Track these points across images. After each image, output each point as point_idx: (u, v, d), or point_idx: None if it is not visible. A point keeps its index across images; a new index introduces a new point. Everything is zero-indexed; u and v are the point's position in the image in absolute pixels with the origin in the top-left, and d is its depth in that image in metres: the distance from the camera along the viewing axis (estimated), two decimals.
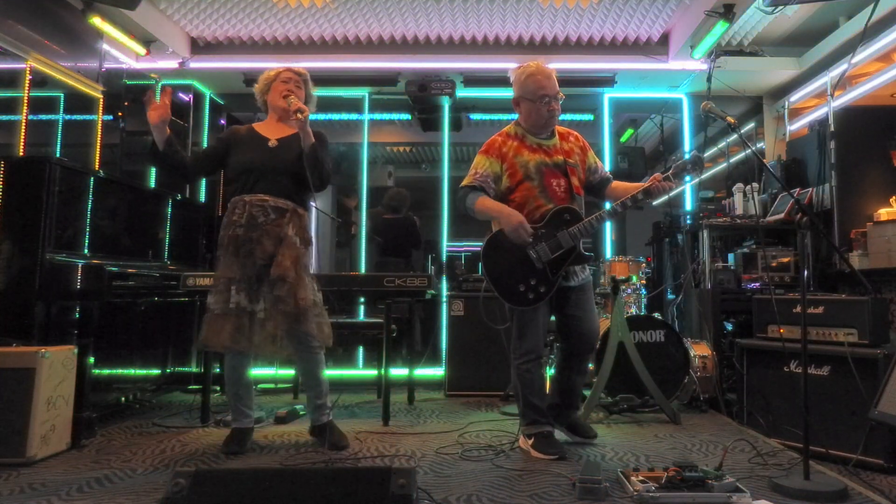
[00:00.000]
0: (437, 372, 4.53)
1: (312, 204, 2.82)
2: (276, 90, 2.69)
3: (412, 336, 4.24)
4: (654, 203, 6.14)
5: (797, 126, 4.84)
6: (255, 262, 2.49)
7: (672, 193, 2.70)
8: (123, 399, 3.38)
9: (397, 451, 2.62)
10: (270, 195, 2.54)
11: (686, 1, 4.10)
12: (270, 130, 2.70)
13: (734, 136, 2.74)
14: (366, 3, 4.21)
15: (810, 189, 4.16)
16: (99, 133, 3.87)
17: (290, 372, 4.12)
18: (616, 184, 2.78)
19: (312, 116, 2.62)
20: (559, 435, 2.67)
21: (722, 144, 5.75)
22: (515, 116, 2.76)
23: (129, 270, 3.09)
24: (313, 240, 2.70)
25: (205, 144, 4.65)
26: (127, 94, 4.25)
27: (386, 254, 5.03)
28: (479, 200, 2.57)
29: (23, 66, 3.30)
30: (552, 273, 2.52)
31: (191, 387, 4.00)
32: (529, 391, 2.57)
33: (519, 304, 2.53)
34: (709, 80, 4.26)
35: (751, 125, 5.33)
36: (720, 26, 3.86)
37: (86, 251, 3.05)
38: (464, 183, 2.65)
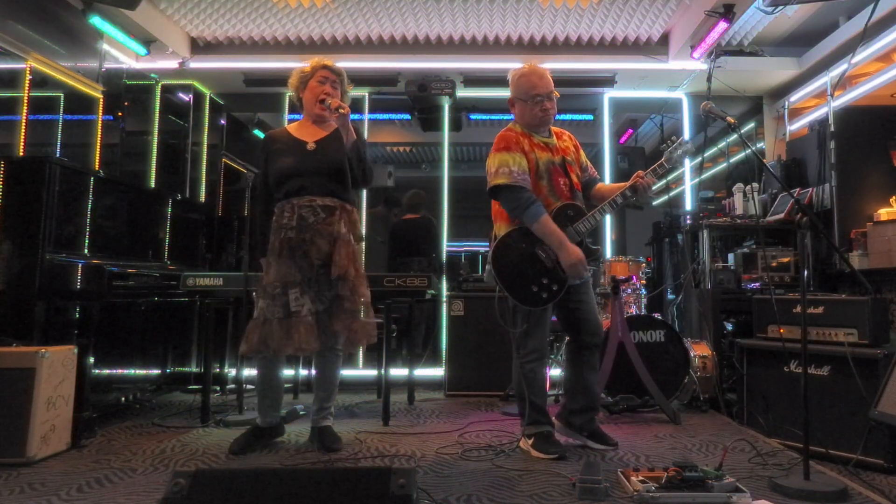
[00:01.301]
0: (437, 372, 4.53)
1: None
2: (311, 90, 2.64)
3: (412, 336, 4.24)
4: (655, 203, 6.16)
5: (797, 126, 4.84)
6: (311, 264, 2.49)
7: (673, 194, 2.72)
8: (123, 399, 3.38)
9: (397, 451, 2.62)
10: (318, 195, 2.55)
11: (686, 1, 4.11)
12: (306, 133, 2.68)
13: (734, 136, 2.75)
14: (366, 3, 4.21)
15: (810, 189, 4.16)
16: (99, 133, 3.87)
17: (289, 372, 4.12)
18: (601, 185, 2.79)
19: None
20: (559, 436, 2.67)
21: (722, 144, 5.75)
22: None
23: (129, 270, 3.09)
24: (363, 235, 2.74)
25: (205, 144, 4.65)
26: (127, 94, 4.25)
27: (407, 254, 5.03)
28: (543, 218, 2.49)
29: (23, 66, 3.30)
30: (563, 271, 2.52)
31: (191, 387, 4.00)
32: (532, 390, 2.57)
33: (534, 305, 2.53)
34: (709, 80, 4.26)
35: (751, 125, 5.33)
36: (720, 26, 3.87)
37: (86, 251, 3.05)
38: (501, 181, 2.52)
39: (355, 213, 2.67)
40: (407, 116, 5.69)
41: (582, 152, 2.81)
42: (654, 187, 2.59)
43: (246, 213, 4.26)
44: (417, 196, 5.20)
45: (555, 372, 3.80)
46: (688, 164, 5.05)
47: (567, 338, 3.71)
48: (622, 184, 2.63)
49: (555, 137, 2.72)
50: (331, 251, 2.51)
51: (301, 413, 3.34)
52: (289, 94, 2.78)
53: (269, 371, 2.61)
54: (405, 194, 5.29)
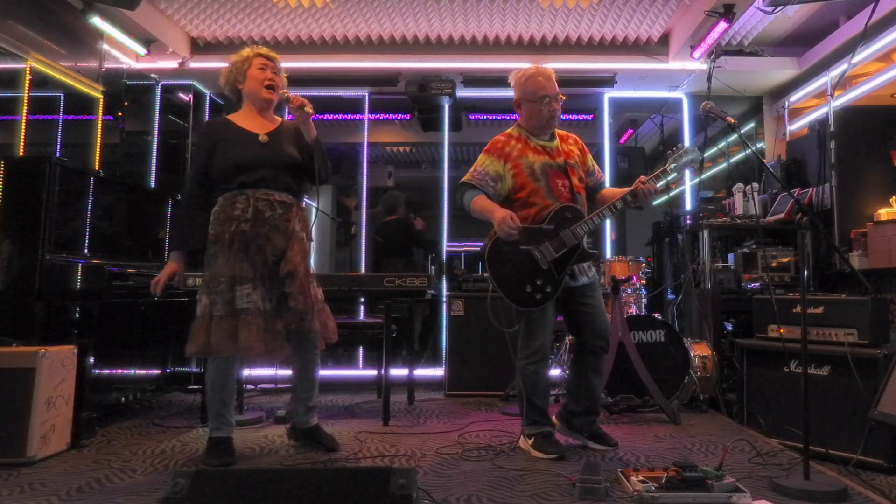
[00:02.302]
0: (437, 372, 4.53)
1: (308, 201, 2.80)
2: (254, 78, 2.53)
3: (412, 336, 4.25)
4: (655, 203, 6.15)
5: (797, 126, 4.84)
6: (266, 259, 2.39)
7: (673, 194, 2.72)
8: (123, 399, 3.38)
9: (397, 451, 2.62)
10: (274, 189, 2.45)
11: (686, 1, 4.11)
12: (253, 124, 2.55)
13: (734, 136, 2.75)
14: (366, 3, 4.21)
15: (810, 189, 4.16)
16: (99, 133, 3.87)
17: (289, 372, 4.11)
18: (605, 190, 2.79)
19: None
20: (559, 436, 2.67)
21: (722, 144, 5.75)
22: (515, 116, 2.77)
23: (129, 270, 3.09)
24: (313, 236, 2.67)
25: None
26: (127, 94, 4.25)
27: (387, 255, 5.07)
28: (475, 199, 2.59)
29: (23, 66, 3.31)
30: (558, 272, 2.52)
31: (191, 387, 3.99)
32: (533, 392, 2.56)
33: (526, 306, 2.52)
34: (709, 80, 4.26)
35: (751, 125, 5.33)
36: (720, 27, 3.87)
37: (85, 251, 3.05)
38: (463, 179, 2.68)
39: (306, 211, 2.61)
40: (407, 116, 5.69)
41: (589, 156, 2.81)
42: (655, 192, 2.58)
43: None
44: (392, 198, 5.23)
45: (555, 371, 3.80)
46: (688, 176, 5.01)
47: (567, 338, 3.74)
48: (625, 189, 2.62)
49: (558, 140, 2.73)
50: (285, 248, 2.42)
51: None
52: (224, 90, 2.65)
53: (229, 373, 2.45)
54: (382, 197, 5.35)
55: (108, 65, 4.08)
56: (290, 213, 2.48)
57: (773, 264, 3.91)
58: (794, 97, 4.77)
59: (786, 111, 4.89)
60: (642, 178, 2.55)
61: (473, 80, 4.83)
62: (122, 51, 4.30)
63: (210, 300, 2.34)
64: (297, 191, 2.56)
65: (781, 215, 4.02)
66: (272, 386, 4.22)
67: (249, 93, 2.56)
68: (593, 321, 2.63)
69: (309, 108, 2.46)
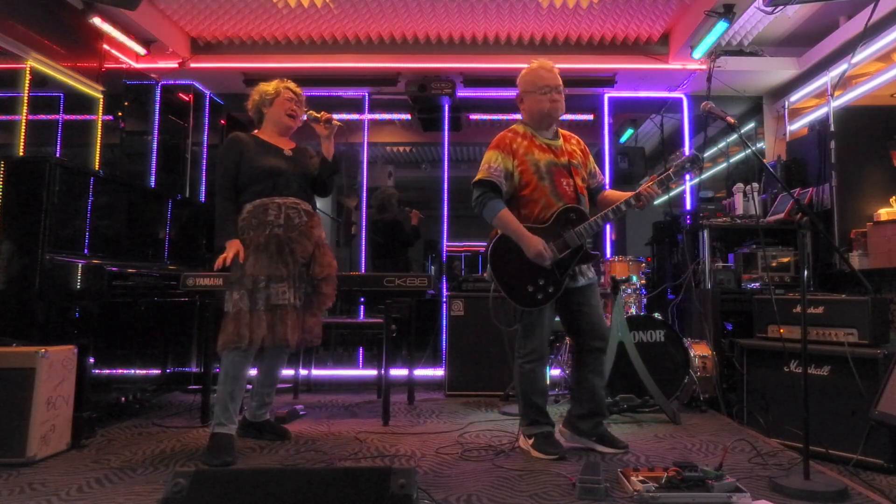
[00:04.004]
0: (437, 372, 4.53)
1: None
2: (280, 106, 2.79)
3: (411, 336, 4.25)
4: (655, 203, 6.14)
5: (797, 126, 4.84)
6: (297, 261, 2.59)
7: (673, 194, 2.71)
8: (123, 399, 3.38)
9: (397, 451, 2.62)
10: (300, 199, 2.69)
11: (686, 1, 4.11)
12: (277, 141, 2.81)
13: (734, 136, 2.75)
14: (365, 3, 4.21)
15: (810, 189, 4.16)
16: (99, 133, 3.87)
17: (289, 372, 4.12)
18: (607, 192, 2.78)
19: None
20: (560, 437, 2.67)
21: (722, 144, 5.75)
22: (515, 116, 2.77)
23: (129, 270, 3.09)
24: None
25: (205, 144, 4.65)
26: (127, 94, 4.25)
27: (379, 256, 5.04)
28: (502, 213, 2.52)
29: (23, 66, 3.31)
30: (560, 273, 2.52)
31: (191, 387, 4.00)
32: (532, 391, 2.56)
33: (528, 305, 2.52)
34: (709, 80, 4.26)
35: (751, 125, 5.33)
36: (720, 26, 3.87)
37: (86, 251, 3.04)
38: (478, 177, 2.59)
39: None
40: (407, 116, 5.70)
41: (591, 158, 2.80)
42: (657, 195, 2.58)
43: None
44: (383, 196, 5.10)
45: (555, 372, 3.80)
46: (688, 176, 5.00)
47: (567, 338, 3.74)
48: (628, 193, 2.60)
49: (561, 140, 2.71)
50: (312, 252, 2.66)
51: (301, 414, 3.34)
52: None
53: (242, 367, 2.54)
54: (374, 194, 5.20)
55: (108, 65, 4.08)
56: (312, 221, 2.73)
57: (773, 264, 3.90)
58: (794, 97, 4.78)
59: (786, 111, 4.89)
60: (654, 177, 2.54)
61: (473, 80, 4.83)
62: (122, 51, 4.30)
63: (240, 295, 2.48)
64: (314, 202, 2.82)
65: (781, 215, 4.02)
66: None
67: (273, 116, 2.82)
68: (591, 322, 2.62)
69: (336, 122, 2.75)
